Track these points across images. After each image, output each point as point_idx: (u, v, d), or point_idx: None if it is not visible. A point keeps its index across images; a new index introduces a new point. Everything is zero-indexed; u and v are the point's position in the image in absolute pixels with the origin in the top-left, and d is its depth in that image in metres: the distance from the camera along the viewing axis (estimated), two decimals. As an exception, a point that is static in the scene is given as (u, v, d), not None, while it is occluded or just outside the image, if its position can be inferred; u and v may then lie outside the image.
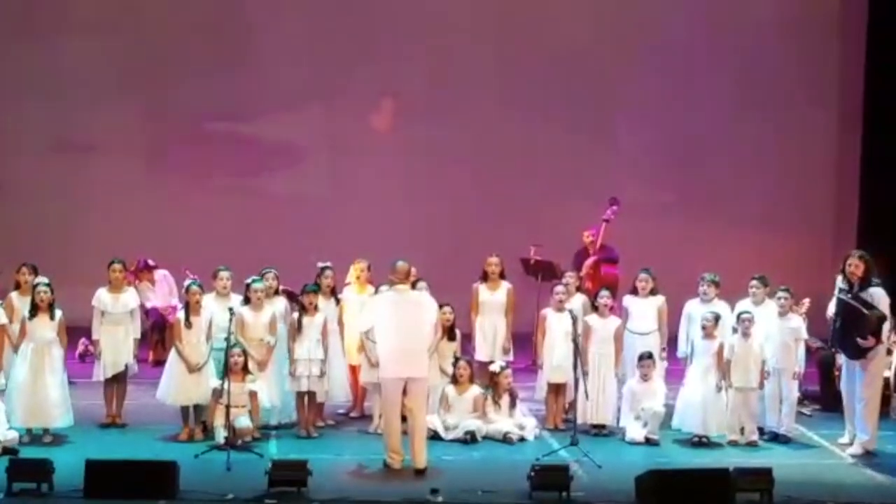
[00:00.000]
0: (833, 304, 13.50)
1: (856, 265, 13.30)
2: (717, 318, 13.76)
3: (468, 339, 14.73)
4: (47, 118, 19.04)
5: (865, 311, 13.12)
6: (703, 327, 13.74)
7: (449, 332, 14.04)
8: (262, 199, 19.41)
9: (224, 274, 13.99)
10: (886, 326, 13.41)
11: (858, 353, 13.24)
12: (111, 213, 19.07)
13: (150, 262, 17.35)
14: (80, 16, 19.01)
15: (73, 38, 19.01)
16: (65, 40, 19.02)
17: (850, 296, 13.23)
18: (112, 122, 19.14)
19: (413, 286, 13.37)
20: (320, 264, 14.24)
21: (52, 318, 13.29)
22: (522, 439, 13.76)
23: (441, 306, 13.84)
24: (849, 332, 13.20)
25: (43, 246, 17.42)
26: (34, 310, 13.29)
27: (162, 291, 17.33)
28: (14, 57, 18.95)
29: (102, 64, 19.05)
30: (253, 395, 13.35)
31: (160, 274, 17.38)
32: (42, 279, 13.51)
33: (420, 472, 12.48)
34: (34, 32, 18.94)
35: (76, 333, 14.12)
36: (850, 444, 13.54)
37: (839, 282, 13.46)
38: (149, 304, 17.08)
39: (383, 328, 12.76)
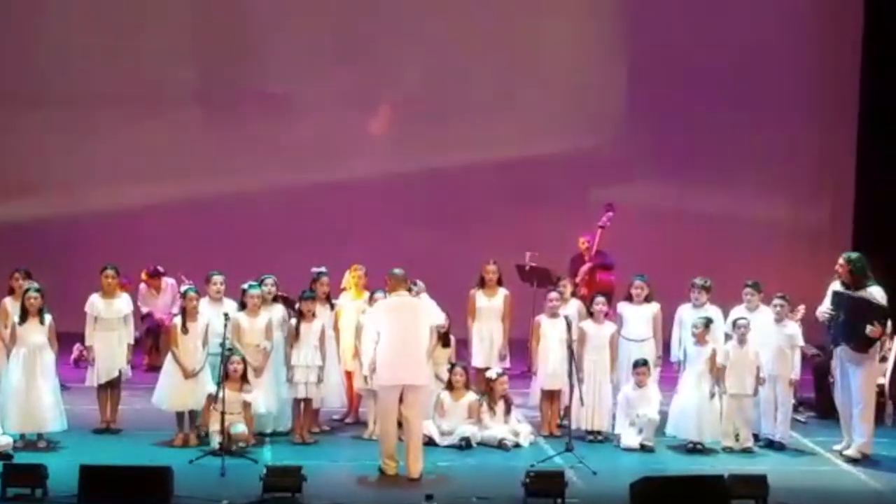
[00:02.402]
0: (827, 302, 13.47)
1: (841, 266, 13.45)
2: (706, 323, 13.75)
3: (465, 345, 14.74)
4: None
5: (873, 301, 13.19)
6: (694, 334, 13.74)
7: (444, 339, 14.02)
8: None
9: (217, 278, 13.98)
10: (888, 326, 13.47)
11: (865, 345, 13.23)
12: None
13: (160, 269, 17.38)
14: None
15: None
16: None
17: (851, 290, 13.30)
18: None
19: (409, 289, 13.36)
20: (315, 270, 14.23)
21: (41, 322, 13.28)
22: (517, 445, 13.75)
23: (436, 313, 13.90)
24: (855, 324, 13.19)
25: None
26: (24, 315, 13.29)
27: (164, 300, 17.35)
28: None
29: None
30: (246, 405, 13.33)
31: (166, 282, 17.39)
32: (32, 284, 13.53)
33: (414, 481, 12.46)
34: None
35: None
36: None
37: (835, 285, 13.48)
38: (144, 310, 17.11)
39: (381, 335, 12.73)
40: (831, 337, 13.58)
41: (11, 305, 13.64)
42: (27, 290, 13.38)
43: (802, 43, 19.72)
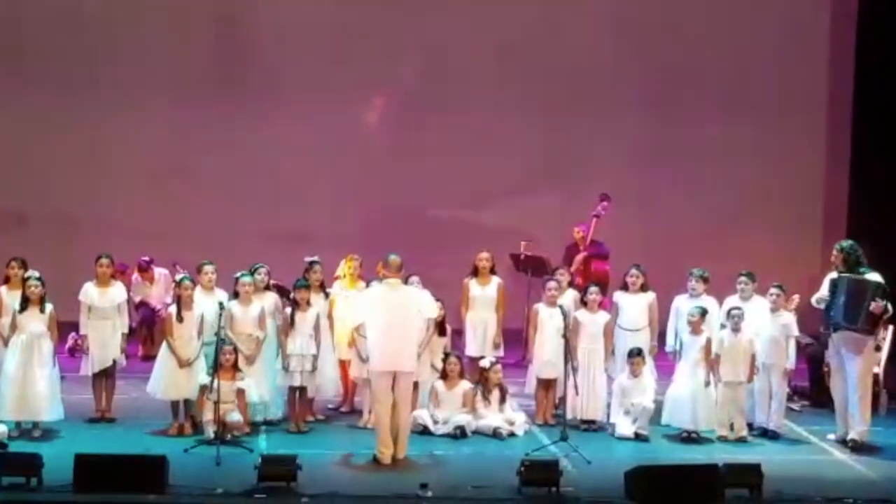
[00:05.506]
0: (824, 289, 13.48)
1: (835, 255, 13.54)
2: (702, 313, 13.77)
3: (459, 334, 14.74)
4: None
5: (874, 280, 13.27)
6: (690, 323, 13.76)
7: (440, 328, 14.04)
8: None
9: (208, 268, 13.96)
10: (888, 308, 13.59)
11: (871, 324, 13.27)
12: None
13: (147, 259, 17.43)
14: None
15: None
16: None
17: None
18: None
19: (405, 281, 13.39)
20: (308, 259, 14.22)
21: (42, 311, 13.28)
22: (512, 434, 13.76)
23: (432, 301, 13.92)
24: (858, 304, 13.21)
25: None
26: (25, 303, 13.29)
27: (158, 290, 17.39)
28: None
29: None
30: (240, 393, 13.33)
31: (159, 273, 17.40)
32: (33, 272, 13.50)
33: (398, 461, 12.53)
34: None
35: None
36: (841, 441, 13.55)
37: (832, 275, 13.51)
38: (137, 299, 17.13)
39: (373, 322, 12.77)
40: (830, 322, 13.53)
41: (7, 295, 13.62)
42: (28, 279, 13.37)
43: (800, 39, 19.73)
